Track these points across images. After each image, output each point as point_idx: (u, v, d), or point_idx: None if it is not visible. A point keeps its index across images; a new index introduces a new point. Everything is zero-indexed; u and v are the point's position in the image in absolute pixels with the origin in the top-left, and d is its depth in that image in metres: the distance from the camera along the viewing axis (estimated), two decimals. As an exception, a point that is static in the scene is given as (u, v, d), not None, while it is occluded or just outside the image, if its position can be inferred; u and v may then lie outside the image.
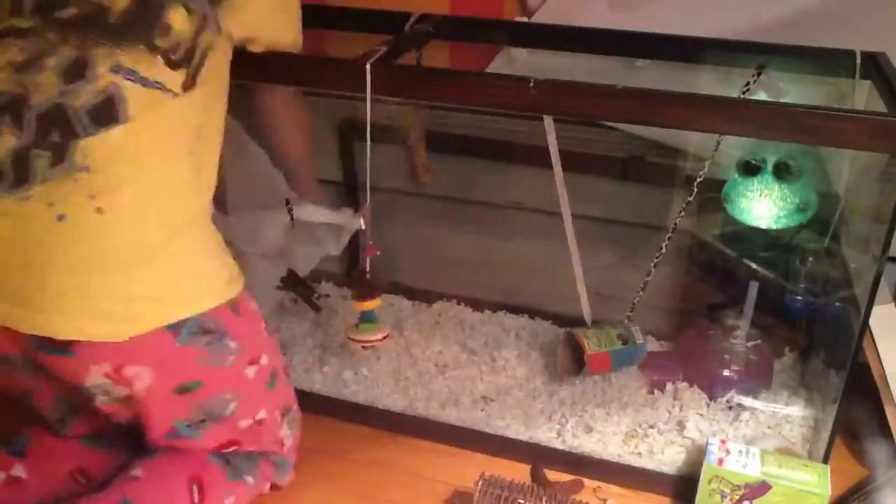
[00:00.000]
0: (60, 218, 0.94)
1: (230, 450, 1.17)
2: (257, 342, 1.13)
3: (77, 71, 0.95)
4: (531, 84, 1.05)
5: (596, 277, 1.46)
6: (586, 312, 1.44)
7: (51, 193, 0.95)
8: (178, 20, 0.99)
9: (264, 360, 1.13)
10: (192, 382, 1.05)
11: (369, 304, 1.23)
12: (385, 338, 1.26)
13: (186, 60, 1.00)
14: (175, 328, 0.99)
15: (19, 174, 0.95)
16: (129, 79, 0.96)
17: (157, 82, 0.98)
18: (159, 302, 0.98)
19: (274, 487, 1.25)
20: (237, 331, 1.07)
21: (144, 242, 0.98)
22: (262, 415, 1.16)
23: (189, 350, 1.01)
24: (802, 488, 1.15)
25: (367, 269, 1.22)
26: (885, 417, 1.30)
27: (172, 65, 0.99)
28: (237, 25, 1.07)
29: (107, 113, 0.95)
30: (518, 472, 1.31)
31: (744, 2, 1.36)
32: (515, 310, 1.66)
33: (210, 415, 1.10)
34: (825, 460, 1.23)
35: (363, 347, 1.29)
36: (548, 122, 1.09)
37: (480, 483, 1.19)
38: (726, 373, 1.41)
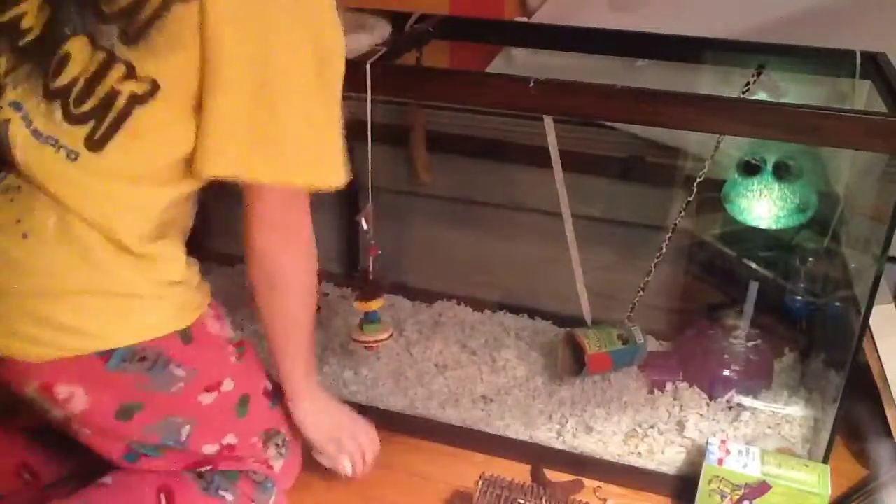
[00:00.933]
0: None
1: (203, 469, 1.09)
2: (215, 369, 1.04)
3: None
4: (531, 84, 1.05)
5: (596, 277, 1.46)
6: (586, 312, 1.44)
7: None
8: (77, 50, 0.88)
9: (227, 386, 1.04)
10: (133, 404, 0.97)
11: (373, 305, 1.23)
12: (389, 338, 1.26)
13: (96, 114, 0.88)
14: (104, 355, 0.93)
15: None
16: (23, 121, 0.89)
17: (49, 137, 0.89)
18: (83, 334, 0.91)
19: None
20: (186, 359, 0.99)
21: (68, 272, 0.90)
22: (230, 440, 1.07)
23: (122, 375, 0.94)
24: (802, 488, 1.15)
25: (370, 269, 1.22)
26: (885, 417, 1.30)
27: (73, 119, 0.88)
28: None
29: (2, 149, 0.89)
30: (518, 472, 1.31)
31: (744, 2, 1.36)
32: (515, 310, 1.66)
33: (164, 438, 1.02)
34: (825, 460, 1.23)
35: (366, 348, 1.29)
36: (548, 122, 1.09)
37: (480, 483, 1.19)
38: (726, 373, 1.41)
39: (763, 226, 1.35)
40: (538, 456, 1.33)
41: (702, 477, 1.19)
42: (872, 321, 1.19)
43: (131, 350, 0.93)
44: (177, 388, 0.98)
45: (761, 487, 1.17)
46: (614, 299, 1.51)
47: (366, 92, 1.09)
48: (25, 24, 0.92)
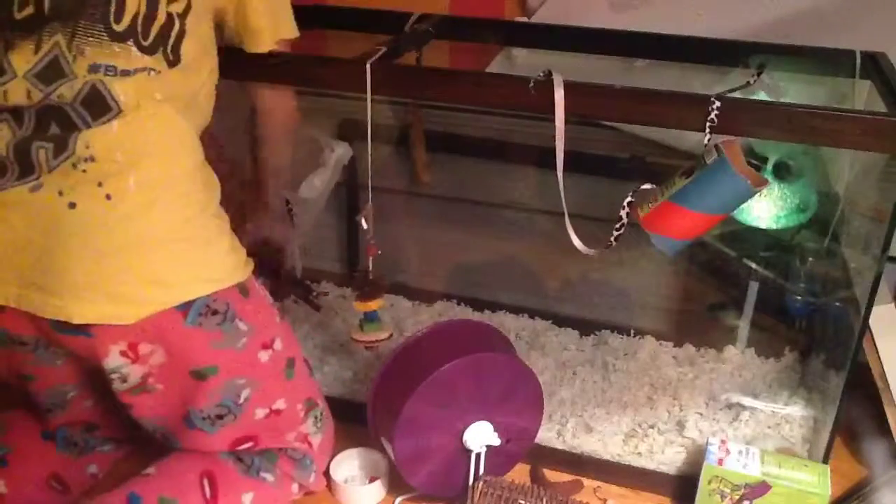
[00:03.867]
0: (72, 206, 0.97)
1: (244, 446, 1.17)
2: (269, 325, 1.13)
3: (54, 73, 0.95)
4: (531, 84, 1.05)
5: (596, 277, 1.46)
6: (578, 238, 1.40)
7: (60, 182, 0.97)
8: None
9: (278, 345, 1.13)
10: (206, 368, 1.06)
11: (373, 305, 1.23)
12: (389, 338, 1.26)
13: (161, 42, 0.98)
14: (184, 308, 1.01)
15: (23, 166, 0.97)
16: (109, 74, 0.96)
17: (137, 69, 0.97)
18: (167, 286, 1.00)
19: (308, 493, 1.24)
20: (247, 313, 1.08)
21: (152, 228, 1.00)
22: (279, 405, 1.16)
23: (199, 331, 1.03)
24: (802, 488, 1.15)
25: (370, 269, 1.22)
26: (885, 417, 1.30)
27: (147, 50, 0.97)
28: None
29: (98, 106, 0.96)
30: (518, 472, 1.31)
31: (744, 2, 1.36)
32: (515, 310, 1.66)
33: (225, 406, 1.10)
34: (825, 460, 1.23)
35: (367, 348, 1.29)
36: (558, 123, 1.08)
37: (480, 484, 1.19)
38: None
39: (763, 226, 1.35)
40: (538, 456, 1.33)
41: (702, 477, 1.19)
42: (872, 321, 1.19)
43: (206, 302, 1.03)
44: (241, 343, 1.08)
45: (761, 487, 1.17)
46: (615, 298, 1.51)
47: (366, 92, 1.10)
48: None
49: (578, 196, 1.37)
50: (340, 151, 1.38)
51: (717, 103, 0.99)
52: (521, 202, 1.63)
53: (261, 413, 1.14)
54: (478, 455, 1.21)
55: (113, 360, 1.03)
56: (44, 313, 0.99)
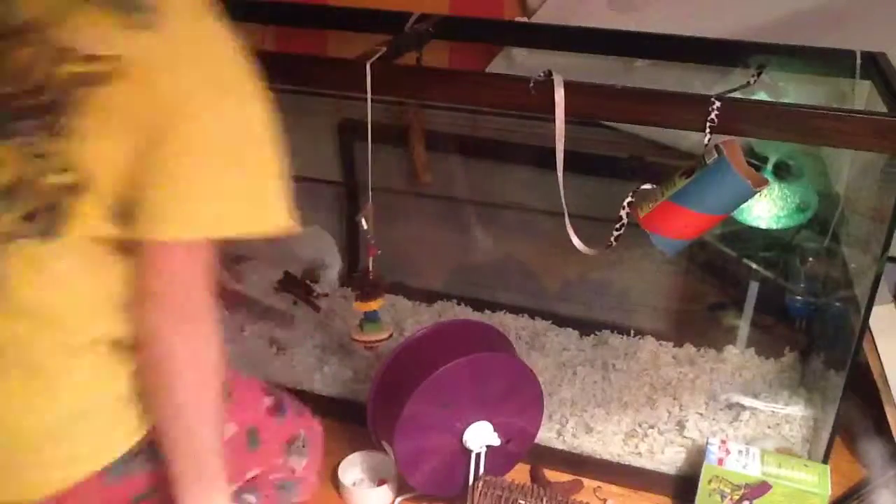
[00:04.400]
0: None
1: None
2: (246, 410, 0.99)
3: None
4: (531, 84, 1.05)
5: (596, 277, 1.46)
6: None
7: None
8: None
9: (229, 432, 0.96)
10: (143, 494, 0.90)
11: (372, 305, 1.24)
12: (389, 338, 1.26)
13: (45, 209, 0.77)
14: (101, 472, 0.85)
15: None
16: None
17: (9, 233, 0.77)
18: (75, 460, 0.84)
19: None
20: None
21: (43, 402, 0.82)
22: (253, 472, 1.02)
23: (127, 479, 0.88)
24: (802, 488, 1.15)
25: (370, 269, 1.22)
26: (885, 417, 1.30)
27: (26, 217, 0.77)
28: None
29: None
30: (518, 472, 1.31)
31: (744, 2, 1.36)
32: (515, 310, 1.66)
33: None
34: (825, 460, 1.23)
35: (367, 348, 1.29)
36: (558, 123, 1.08)
37: (480, 483, 1.19)
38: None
39: (763, 226, 1.35)
40: (538, 456, 1.33)
41: (702, 477, 1.19)
42: (872, 321, 1.19)
43: (126, 455, 0.86)
44: None
45: (761, 487, 1.17)
46: (615, 298, 1.51)
47: (366, 92, 1.09)
48: None
49: (578, 196, 1.37)
50: None
51: (717, 103, 0.99)
52: (521, 202, 1.63)
53: (234, 486, 1.00)
54: (478, 455, 1.21)
55: None
56: None
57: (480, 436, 1.19)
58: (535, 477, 1.31)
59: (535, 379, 1.23)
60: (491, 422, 1.20)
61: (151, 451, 0.87)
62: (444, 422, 1.19)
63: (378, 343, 1.26)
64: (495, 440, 1.20)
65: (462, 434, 1.20)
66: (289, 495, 1.12)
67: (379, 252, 1.21)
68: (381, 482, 1.29)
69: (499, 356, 1.22)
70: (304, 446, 1.12)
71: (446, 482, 1.24)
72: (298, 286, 1.56)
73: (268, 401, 1.06)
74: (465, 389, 1.17)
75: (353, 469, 1.31)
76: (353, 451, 1.33)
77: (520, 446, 1.27)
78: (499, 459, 1.24)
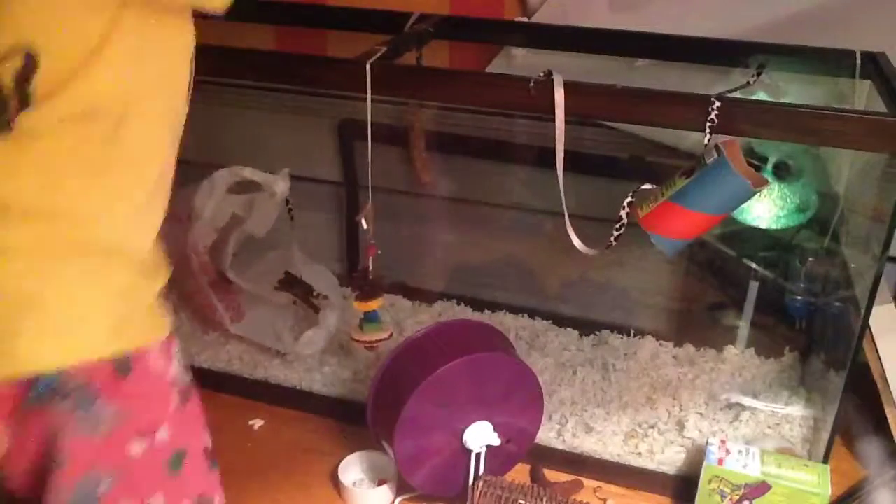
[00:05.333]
0: None
1: None
2: (151, 412, 0.87)
3: None
4: (531, 84, 1.05)
5: (596, 277, 1.46)
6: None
7: None
8: None
9: (162, 435, 0.87)
10: (58, 455, 0.82)
11: (372, 305, 1.24)
12: (389, 338, 1.26)
13: None
14: (25, 384, 0.77)
15: None
16: None
17: None
18: (6, 355, 0.76)
19: None
20: (118, 394, 0.82)
21: None
22: (156, 500, 0.90)
23: (46, 412, 0.79)
24: (802, 488, 1.15)
25: (370, 269, 1.22)
26: (885, 417, 1.30)
27: None
28: None
29: None
30: (518, 472, 1.31)
31: (744, 2, 1.36)
32: (515, 310, 1.66)
33: (81, 500, 0.85)
34: (825, 460, 1.23)
35: (366, 348, 1.29)
36: (558, 123, 1.08)
37: (480, 483, 1.19)
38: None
39: (763, 226, 1.35)
40: (538, 456, 1.33)
41: (702, 477, 1.19)
42: (872, 321, 1.19)
43: (53, 379, 0.78)
44: (101, 431, 0.82)
45: (761, 487, 1.17)
46: (615, 298, 1.51)
47: (366, 92, 1.09)
48: None
49: (578, 196, 1.37)
50: (282, 187, 1.42)
51: (717, 103, 0.99)
52: (521, 202, 1.63)
53: None
54: (478, 455, 1.21)
55: None
56: None
57: (480, 436, 1.20)
58: (535, 477, 1.31)
59: (535, 379, 1.23)
60: (491, 422, 1.20)
61: (81, 397, 0.80)
62: (444, 422, 1.19)
63: (378, 343, 1.26)
64: (495, 440, 1.20)
65: (462, 434, 1.20)
66: None
67: (379, 252, 1.21)
68: (381, 482, 1.29)
69: (499, 356, 1.22)
70: None
71: (446, 482, 1.24)
72: (298, 286, 1.56)
73: (207, 442, 0.97)
74: (465, 389, 1.17)
75: (353, 469, 1.30)
76: (353, 451, 1.33)
77: (520, 446, 1.27)
78: (499, 459, 1.24)
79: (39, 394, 0.78)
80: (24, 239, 0.77)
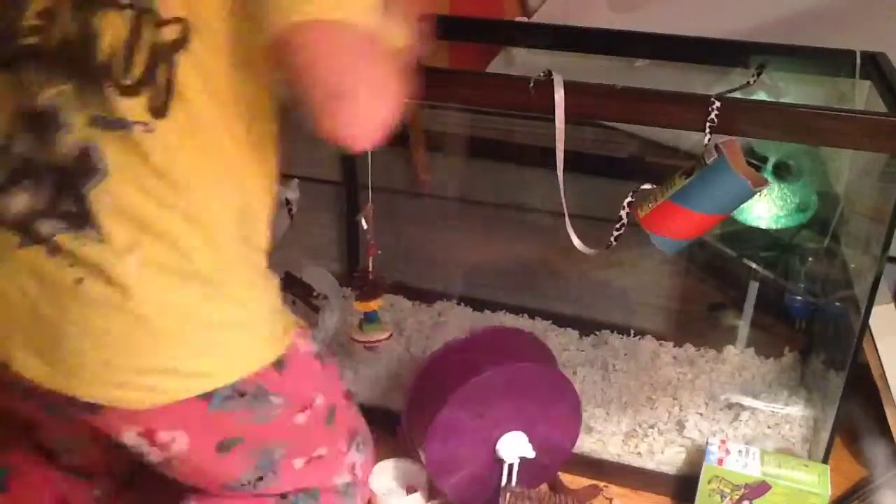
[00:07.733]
0: (78, 281, 0.84)
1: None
2: (308, 389, 1.00)
3: (44, 123, 0.83)
4: (531, 84, 1.05)
5: (596, 277, 1.46)
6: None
7: (71, 250, 0.84)
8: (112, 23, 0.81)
9: (318, 402, 1.01)
10: (232, 439, 0.94)
11: (372, 305, 1.23)
12: (389, 338, 1.26)
13: (146, 80, 0.81)
14: (206, 397, 0.88)
15: (29, 234, 0.86)
16: (96, 125, 0.82)
17: (118, 120, 0.82)
18: (183, 376, 0.87)
19: None
20: (282, 387, 0.95)
21: (159, 315, 0.85)
22: (320, 451, 1.04)
23: (224, 414, 0.91)
24: (802, 488, 1.15)
25: (370, 269, 1.22)
26: (885, 417, 1.30)
27: (127, 91, 0.81)
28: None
29: (84, 167, 0.83)
30: (518, 472, 1.31)
31: (744, 2, 1.36)
32: (515, 310, 1.66)
33: (261, 468, 0.98)
34: (825, 460, 1.23)
35: (366, 348, 1.29)
36: (558, 123, 1.08)
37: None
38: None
39: (763, 226, 1.35)
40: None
41: (702, 477, 1.19)
42: (872, 321, 1.19)
43: (232, 387, 0.89)
44: (272, 416, 0.95)
45: (761, 487, 1.17)
46: (615, 298, 1.51)
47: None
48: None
49: (578, 196, 1.37)
50: (291, 198, 1.43)
51: (717, 103, 0.99)
52: (521, 202, 1.63)
53: (300, 463, 1.02)
54: (510, 466, 1.20)
55: (129, 438, 0.90)
56: (52, 387, 0.86)
57: (514, 447, 1.18)
58: (553, 483, 1.30)
59: (575, 393, 1.22)
60: (526, 433, 1.19)
61: (254, 396, 0.92)
62: (477, 430, 1.17)
63: (378, 343, 1.26)
64: (530, 452, 1.19)
65: (495, 443, 1.19)
66: (349, 502, 1.10)
67: (379, 252, 1.21)
68: (410, 489, 1.28)
69: (539, 367, 1.20)
70: (362, 445, 1.14)
71: (476, 492, 1.23)
72: (298, 286, 1.56)
73: (343, 384, 1.11)
74: (501, 398, 1.16)
75: (383, 476, 1.29)
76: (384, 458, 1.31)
77: (554, 460, 1.26)
78: (531, 471, 1.23)
79: (220, 402, 0.89)
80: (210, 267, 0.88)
